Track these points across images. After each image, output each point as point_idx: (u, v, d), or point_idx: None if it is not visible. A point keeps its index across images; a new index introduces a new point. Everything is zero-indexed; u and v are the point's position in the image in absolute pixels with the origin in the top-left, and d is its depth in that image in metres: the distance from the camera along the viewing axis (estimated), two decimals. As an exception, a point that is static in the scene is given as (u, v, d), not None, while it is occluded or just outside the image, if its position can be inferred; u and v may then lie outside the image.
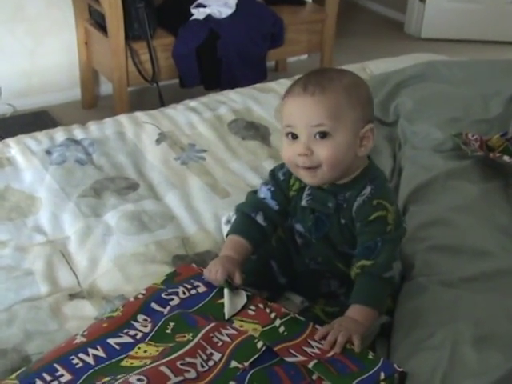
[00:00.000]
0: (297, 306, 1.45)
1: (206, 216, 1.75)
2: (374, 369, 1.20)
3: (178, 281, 1.37)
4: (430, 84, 2.24)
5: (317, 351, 1.23)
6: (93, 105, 3.60)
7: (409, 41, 4.59)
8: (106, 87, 3.62)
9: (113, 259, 1.59)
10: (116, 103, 3.25)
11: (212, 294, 1.34)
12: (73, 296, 1.50)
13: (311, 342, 1.25)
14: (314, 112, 1.28)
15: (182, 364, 1.12)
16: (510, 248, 1.62)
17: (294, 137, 1.31)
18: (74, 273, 1.57)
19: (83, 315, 1.44)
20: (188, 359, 1.14)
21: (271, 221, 1.44)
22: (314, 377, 1.17)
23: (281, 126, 1.39)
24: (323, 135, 1.29)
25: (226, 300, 1.31)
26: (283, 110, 1.35)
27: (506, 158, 1.80)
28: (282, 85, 2.44)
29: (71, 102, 3.58)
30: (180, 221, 1.73)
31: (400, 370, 1.22)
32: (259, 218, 1.43)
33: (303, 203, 1.40)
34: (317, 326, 1.28)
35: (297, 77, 1.42)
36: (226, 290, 1.33)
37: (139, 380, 1.06)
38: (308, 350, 1.23)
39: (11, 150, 1.98)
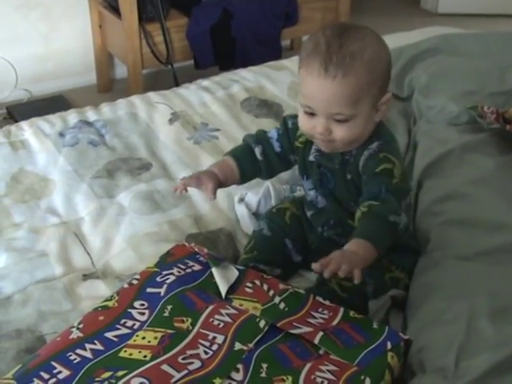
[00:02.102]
0: (312, 283, 1.44)
1: (219, 195, 1.70)
2: (380, 339, 1.19)
3: (172, 261, 1.35)
4: (445, 57, 2.20)
5: (321, 321, 1.22)
6: (108, 88, 3.60)
7: (425, 16, 4.53)
8: (120, 70, 3.62)
9: (126, 239, 1.59)
10: (131, 86, 3.24)
11: (208, 272, 1.32)
12: (87, 276, 1.50)
13: (314, 313, 1.24)
14: (332, 100, 1.25)
15: (183, 358, 1.11)
16: (528, 221, 1.60)
17: (312, 114, 1.29)
18: (88, 253, 1.57)
19: (97, 295, 1.43)
20: (190, 352, 1.12)
21: (267, 158, 1.45)
22: (321, 352, 1.16)
23: (298, 96, 1.34)
24: (342, 121, 1.27)
25: (217, 278, 1.29)
26: (300, 83, 1.30)
27: (522, 129, 1.77)
28: (294, 62, 2.40)
29: (87, 85, 3.59)
30: (193, 200, 1.73)
31: (406, 337, 1.21)
32: (257, 151, 1.45)
33: (310, 158, 1.41)
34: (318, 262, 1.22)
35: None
36: (214, 269, 1.31)
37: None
38: (312, 321, 1.22)
39: (24, 132, 1.99)
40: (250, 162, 1.45)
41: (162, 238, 1.57)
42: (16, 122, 2.32)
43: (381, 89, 1.29)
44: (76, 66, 3.57)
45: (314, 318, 1.23)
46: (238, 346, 1.15)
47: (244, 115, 2.09)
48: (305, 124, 1.32)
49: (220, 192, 1.73)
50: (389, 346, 1.17)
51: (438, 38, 2.33)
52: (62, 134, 1.97)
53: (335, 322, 1.22)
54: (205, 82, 2.29)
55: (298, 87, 1.32)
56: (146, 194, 1.73)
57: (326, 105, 1.25)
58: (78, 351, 1.13)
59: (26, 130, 2.00)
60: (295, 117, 1.39)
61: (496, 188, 1.67)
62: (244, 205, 1.66)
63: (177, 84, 3.21)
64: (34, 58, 3.44)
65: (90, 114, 2.08)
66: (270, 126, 2.00)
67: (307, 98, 1.28)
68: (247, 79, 2.29)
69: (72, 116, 2.07)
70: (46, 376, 1.08)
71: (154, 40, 3.21)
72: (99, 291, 1.45)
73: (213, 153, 1.90)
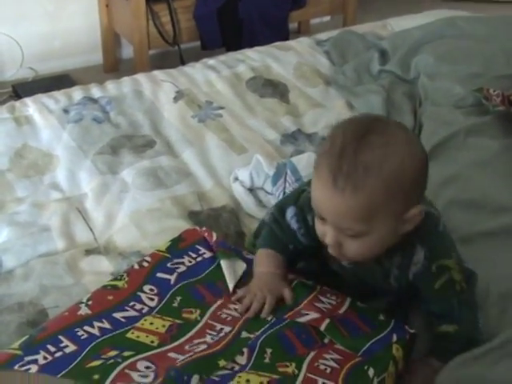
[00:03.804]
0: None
1: (223, 172, 1.75)
2: (386, 330, 1.18)
3: (183, 247, 1.34)
4: (451, 40, 2.19)
5: (329, 306, 1.22)
6: (114, 68, 3.59)
7: (432, 0, 4.50)
8: (127, 50, 3.61)
9: (129, 215, 1.59)
10: (137, 66, 3.23)
11: (218, 260, 1.31)
12: (89, 252, 1.50)
13: (322, 297, 1.24)
14: (341, 214, 1.07)
15: (190, 346, 1.11)
16: (531, 203, 1.59)
17: (324, 219, 1.13)
18: (91, 229, 1.58)
19: (100, 270, 1.44)
20: (197, 341, 1.13)
21: (300, 251, 1.31)
22: (326, 340, 1.15)
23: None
24: (354, 236, 1.10)
25: (225, 271, 1.28)
26: (312, 185, 1.13)
27: (528, 112, 1.77)
28: (301, 43, 2.42)
29: (93, 65, 3.58)
30: (196, 177, 1.73)
31: (411, 331, 1.20)
32: (291, 247, 1.29)
33: (344, 264, 1.23)
34: None
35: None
36: (222, 262, 1.30)
37: (147, 367, 1.04)
38: (319, 305, 1.21)
39: (29, 108, 1.99)
40: (290, 253, 1.30)
41: (164, 214, 1.57)
42: (21, 99, 2.32)
43: (405, 203, 1.09)
44: (82, 45, 3.56)
45: (322, 302, 1.22)
46: (244, 334, 1.15)
47: (249, 94, 2.09)
48: (317, 227, 1.16)
49: (223, 169, 1.75)
50: (394, 338, 1.16)
51: (445, 21, 2.32)
52: (66, 111, 1.97)
53: (342, 310, 1.22)
54: (210, 61, 2.28)
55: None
56: (150, 170, 1.73)
57: (334, 218, 1.09)
58: (86, 328, 1.13)
59: (30, 105, 2.00)
60: (312, 207, 1.17)
61: (500, 170, 1.67)
62: (238, 183, 1.67)
63: (183, 64, 3.20)
64: (40, 36, 3.43)
65: (95, 91, 2.08)
66: (275, 107, 2.02)
67: (315, 204, 1.12)
68: (253, 59, 2.28)
69: (77, 93, 2.07)
70: (52, 349, 1.08)
71: (161, 20, 3.20)
72: (101, 267, 1.45)
73: (217, 131, 1.90)
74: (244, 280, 1.28)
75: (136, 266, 1.28)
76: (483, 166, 1.67)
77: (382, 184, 1.05)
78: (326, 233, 1.13)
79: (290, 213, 1.27)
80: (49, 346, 1.09)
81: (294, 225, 1.27)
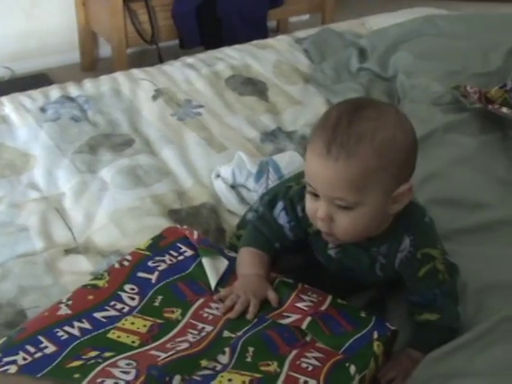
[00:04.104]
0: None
1: (202, 170, 1.74)
2: (368, 328, 1.18)
3: (164, 245, 1.33)
4: (429, 38, 2.21)
5: (310, 304, 1.21)
6: (92, 67, 3.57)
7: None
8: (105, 49, 3.59)
9: (108, 214, 1.58)
10: (115, 65, 3.21)
11: (199, 259, 1.30)
12: (68, 251, 1.49)
13: (303, 296, 1.23)
14: (334, 183, 1.09)
15: (172, 344, 1.10)
16: (508, 199, 1.61)
17: (315, 195, 1.15)
18: (70, 228, 1.56)
19: (79, 270, 1.43)
20: (178, 339, 1.12)
21: (286, 247, 1.32)
22: (308, 338, 1.15)
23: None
24: (345, 207, 1.11)
25: (207, 269, 1.28)
26: (305, 159, 1.16)
27: (504, 109, 1.78)
28: (280, 41, 2.42)
29: (70, 64, 3.55)
30: (176, 175, 1.73)
31: (392, 328, 1.20)
32: (277, 245, 1.30)
33: (331, 253, 1.26)
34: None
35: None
36: (204, 260, 1.29)
37: (128, 364, 1.03)
38: (301, 305, 1.21)
39: (5, 107, 1.97)
40: (274, 252, 1.30)
41: (144, 213, 1.57)
42: (-3, 99, 2.29)
43: (396, 177, 1.11)
44: (59, 44, 3.53)
45: (303, 300, 1.22)
46: (226, 333, 1.14)
47: (228, 92, 2.09)
48: (309, 206, 1.17)
49: (203, 167, 1.75)
50: (375, 335, 1.17)
51: (423, 19, 2.34)
52: (43, 109, 1.96)
53: (324, 307, 1.22)
54: (189, 59, 2.28)
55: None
56: (129, 169, 1.72)
57: (326, 188, 1.11)
58: (66, 328, 1.12)
59: (7, 105, 1.98)
60: (301, 197, 1.22)
61: (478, 167, 1.68)
62: (221, 180, 1.66)
63: (162, 63, 3.19)
64: (15, 34, 3.40)
65: (72, 90, 2.07)
66: (255, 105, 2.02)
67: (309, 177, 1.14)
68: (232, 57, 2.28)
69: (54, 91, 2.05)
70: (32, 350, 1.07)
71: (139, 18, 3.19)
72: (81, 266, 1.44)
73: (196, 129, 1.90)
74: (226, 277, 1.28)
75: (117, 265, 1.27)
76: (461, 162, 1.68)
77: (374, 153, 1.07)
78: (317, 208, 1.14)
79: (278, 207, 1.28)
80: (28, 347, 1.07)
81: (282, 219, 1.28)
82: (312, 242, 1.28)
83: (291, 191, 1.29)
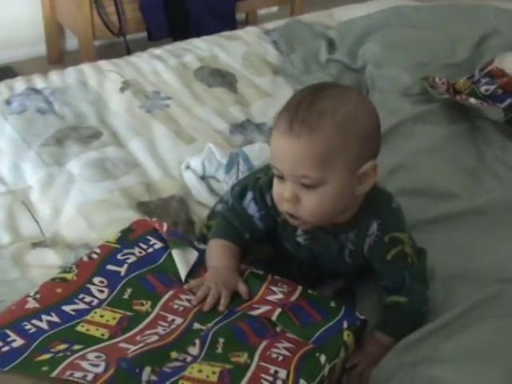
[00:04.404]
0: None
1: (171, 162, 1.73)
2: (337, 317, 1.19)
3: (133, 238, 1.32)
4: (398, 29, 2.22)
5: (281, 296, 1.22)
6: (59, 60, 3.52)
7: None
8: (72, 42, 3.55)
9: (76, 207, 1.57)
10: (82, 58, 3.17)
11: (169, 251, 1.30)
12: (36, 245, 1.47)
13: (273, 287, 1.24)
14: (297, 160, 1.10)
15: (142, 337, 1.10)
16: (475, 189, 1.63)
17: (281, 177, 1.15)
18: (37, 222, 1.54)
19: (47, 264, 1.41)
20: (148, 332, 1.11)
21: (256, 237, 1.32)
22: (278, 329, 1.16)
23: None
24: (309, 186, 1.12)
25: (177, 261, 1.27)
26: (270, 142, 1.17)
27: (472, 100, 1.79)
28: (249, 33, 2.42)
29: (36, 57, 3.51)
30: (144, 167, 1.71)
31: (362, 318, 1.21)
32: (247, 236, 1.30)
33: (300, 240, 1.27)
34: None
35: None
36: (173, 252, 1.28)
37: (97, 357, 1.03)
38: (271, 298, 1.21)
39: (-32, 100, 1.94)
40: (244, 243, 1.30)
41: (113, 205, 1.55)
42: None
43: (359, 154, 1.12)
44: (25, 36, 3.48)
45: (274, 293, 1.22)
46: (196, 325, 1.14)
47: (197, 84, 2.08)
48: (275, 189, 1.18)
49: (172, 160, 1.74)
50: (345, 325, 1.18)
51: (391, 10, 2.35)
52: (8, 102, 1.92)
53: (294, 298, 1.22)
54: (157, 51, 2.27)
55: None
56: (97, 161, 1.70)
57: (290, 166, 1.11)
58: (34, 321, 1.11)
59: (-30, 97, 1.95)
60: (270, 186, 1.23)
61: (446, 157, 1.70)
62: (190, 171, 1.66)
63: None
64: (-22, 26, 3.35)
65: (38, 82, 2.04)
66: (224, 96, 2.01)
67: (273, 158, 1.15)
68: (201, 48, 2.27)
69: (19, 84, 2.02)
70: None
71: (106, 10, 3.16)
72: (48, 260, 1.43)
73: (164, 121, 1.88)
74: (196, 269, 1.27)
75: (85, 258, 1.26)
76: (429, 153, 1.70)
77: (336, 129, 1.09)
78: (283, 191, 1.14)
79: (248, 198, 1.29)
80: None
81: (252, 209, 1.28)
82: (281, 230, 1.28)
83: (260, 181, 1.29)
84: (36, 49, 3.50)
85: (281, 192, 1.15)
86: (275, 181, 1.17)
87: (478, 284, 1.30)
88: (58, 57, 3.52)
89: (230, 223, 1.29)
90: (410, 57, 2.04)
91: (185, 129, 1.86)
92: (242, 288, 1.22)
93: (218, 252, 1.27)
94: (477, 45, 2.12)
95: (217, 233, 1.30)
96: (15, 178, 1.67)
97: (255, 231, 1.30)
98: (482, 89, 1.81)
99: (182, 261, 1.27)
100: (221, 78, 2.11)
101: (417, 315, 1.23)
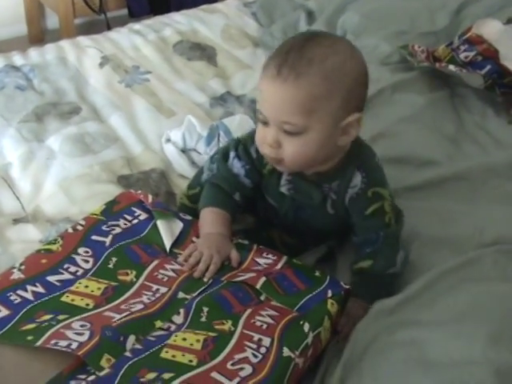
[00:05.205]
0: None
1: (152, 136, 1.73)
2: (322, 287, 1.19)
3: (118, 210, 1.32)
4: (376, -2, 2.21)
5: (265, 266, 1.22)
6: (40, 39, 3.49)
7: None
8: (52, 20, 3.52)
9: (57, 182, 1.57)
10: (63, 36, 3.14)
11: (153, 222, 1.30)
12: (17, 221, 1.47)
13: (258, 259, 1.24)
14: (282, 105, 1.11)
15: (127, 305, 1.10)
16: (456, 156, 1.64)
17: (265, 123, 1.16)
18: (18, 198, 1.54)
19: (28, 239, 1.42)
20: (132, 301, 1.12)
21: (246, 198, 1.32)
22: (262, 298, 1.16)
23: None
24: (293, 133, 1.13)
25: (161, 231, 1.27)
26: (258, 86, 1.19)
27: (451, 67, 1.79)
28: (228, 6, 2.40)
29: (17, 36, 3.46)
30: (125, 141, 1.71)
31: (346, 287, 1.21)
32: (236, 196, 1.30)
33: (282, 189, 1.27)
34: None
35: None
36: (158, 222, 1.28)
37: (82, 326, 1.03)
38: (256, 268, 1.22)
39: None
40: (235, 207, 1.31)
41: (93, 180, 1.55)
42: None
43: (344, 105, 1.13)
44: (5, 16, 3.44)
45: (259, 264, 1.23)
46: (181, 294, 1.14)
47: (176, 58, 2.07)
48: (258, 135, 1.19)
49: (152, 133, 1.73)
50: (329, 293, 1.18)
51: (369, -21, 2.33)
52: (-14, 79, 1.91)
53: (279, 266, 1.22)
54: (136, 26, 2.25)
55: None
56: (77, 136, 1.69)
57: (275, 110, 1.12)
58: (19, 292, 1.11)
59: (-50, 75, 1.93)
60: (254, 139, 1.24)
61: (426, 125, 1.71)
62: (171, 144, 1.66)
63: (109, 31, 3.15)
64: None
65: (17, 59, 2.03)
66: (203, 70, 2.00)
67: (260, 103, 1.17)
68: (180, 22, 2.26)
69: (-2, 61, 2.01)
70: None
71: (86, -13, 3.13)
72: (30, 235, 1.43)
73: (144, 95, 1.88)
74: (181, 239, 1.27)
75: (70, 230, 1.26)
76: (410, 121, 1.70)
77: (323, 76, 1.10)
78: (265, 136, 1.15)
79: (231, 157, 1.30)
80: None
81: (236, 167, 1.29)
82: (266, 183, 1.29)
83: (242, 138, 1.31)
84: (16, 28, 3.46)
85: (263, 135, 1.17)
86: (259, 125, 1.18)
87: (459, 248, 1.31)
88: (38, 36, 3.49)
89: (218, 187, 1.30)
90: (389, 26, 2.04)
91: (165, 103, 1.85)
92: (234, 255, 1.22)
93: (210, 219, 1.28)
94: (456, 12, 2.12)
95: (207, 201, 1.31)
96: (-5, 154, 1.67)
97: (244, 189, 1.30)
98: (462, 56, 1.81)
99: (167, 231, 1.27)
100: (200, 51, 2.10)
101: (381, 278, 1.24)
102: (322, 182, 1.24)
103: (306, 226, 1.32)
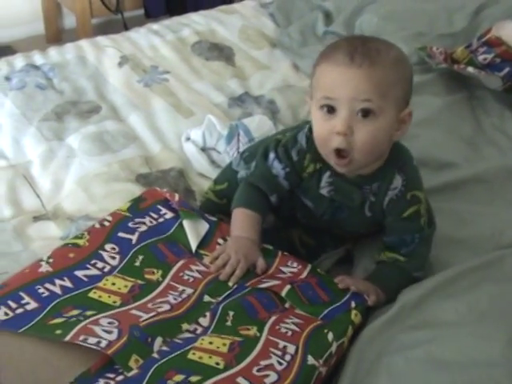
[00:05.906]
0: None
1: (170, 135, 1.74)
2: (344, 298, 1.19)
3: (144, 207, 1.33)
4: (394, 0, 2.21)
5: (290, 275, 1.22)
6: (57, 38, 3.50)
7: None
8: (69, 20, 3.53)
9: (76, 180, 1.58)
10: (80, 35, 3.15)
11: (179, 221, 1.30)
12: (37, 218, 1.49)
13: (283, 268, 1.24)
14: (362, 85, 1.12)
15: (153, 304, 1.11)
16: (474, 158, 1.63)
17: (331, 110, 1.15)
18: (38, 196, 1.56)
19: (48, 236, 1.43)
20: (159, 300, 1.13)
21: (282, 199, 1.33)
22: (287, 305, 1.17)
23: (312, 95, 1.21)
24: (367, 113, 1.13)
25: (187, 231, 1.27)
26: (319, 78, 1.18)
27: (470, 69, 1.79)
28: (245, 6, 2.41)
29: (35, 36, 3.48)
30: (143, 140, 1.72)
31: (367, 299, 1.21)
32: (273, 198, 1.30)
33: (323, 192, 1.27)
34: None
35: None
36: (184, 222, 1.29)
37: (110, 323, 1.04)
38: (281, 276, 1.22)
39: (-31, 77, 1.94)
40: (267, 208, 1.32)
41: (112, 178, 1.57)
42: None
43: (404, 96, 1.19)
44: (23, 15, 3.46)
45: (283, 273, 1.23)
46: (206, 298, 1.15)
47: (194, 58, 2.08)
48: (321, 129, 1.18)
49: (171, 133, 1.75)
50: (353, 304, 1.18)
51: (388, -19, 2.33)
52: (8, 78, 1.93)
53: (303, 275, 1.23)
54: (155, 26, 2.26)
55: (311, 91, 1.22)
56: (96, 135, 1.71)
57: (352, 91, 1.13)
58: (47, 285, 1.12)
59: (-29, 74, 1.95)
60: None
61: (444, 127, 1.70)
62: (191, 143, 1.66)
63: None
64: (-24, 6, 3.33)
65: (37, 58, 2.04)
66: (221, 70, 2.01)
67: (328, 89, 1.15)
68: (198, 23, 2.26)
69: (18, 60, 2.02)
70: (13, 305, 1.07)
71: (103, -13, 3.14)
72: (50, 232, 1.45)
73: (163, 94, 1.89)
74: (207, 240, 1.27)
75: (97, 225, 1.27)
76: (427, 123, 1.70)
77: (391, 64, 1.15)
78: (334, 125, 1.15)
79: (271, 158, 1.30)
80: (10, 302, 1.07)
81: (276, 168, 1.29)
82: (305, 185, 1.29)
83: (283, 140, 1.30)
84: (34, 28, 3.48)
85: (329, 127, 1.16)
86: (321, 121, 1.18)
87: (478, 250, 1.31)
88: (56, 35, 3.50)
89: (256, 189, 1.30)
90: (407, 27, 2.04)
91: (183, 102, 1.86)
92: (261, 263, 1.22)
93: (241, 221, 1.28)
94: (474, 14, 2.11)
95: (241, 201, 1.30)
96: (16, 152, 1.68)
97: (281, 191, 1.30)
98: (480, 58, 1.82)
99: (193, 231, 1.27)
100: (218, 51, 2.11)
101: (408, 278, 1.24)
102: (363, 183, 1.25)
103: (341, 227, 1.33)
